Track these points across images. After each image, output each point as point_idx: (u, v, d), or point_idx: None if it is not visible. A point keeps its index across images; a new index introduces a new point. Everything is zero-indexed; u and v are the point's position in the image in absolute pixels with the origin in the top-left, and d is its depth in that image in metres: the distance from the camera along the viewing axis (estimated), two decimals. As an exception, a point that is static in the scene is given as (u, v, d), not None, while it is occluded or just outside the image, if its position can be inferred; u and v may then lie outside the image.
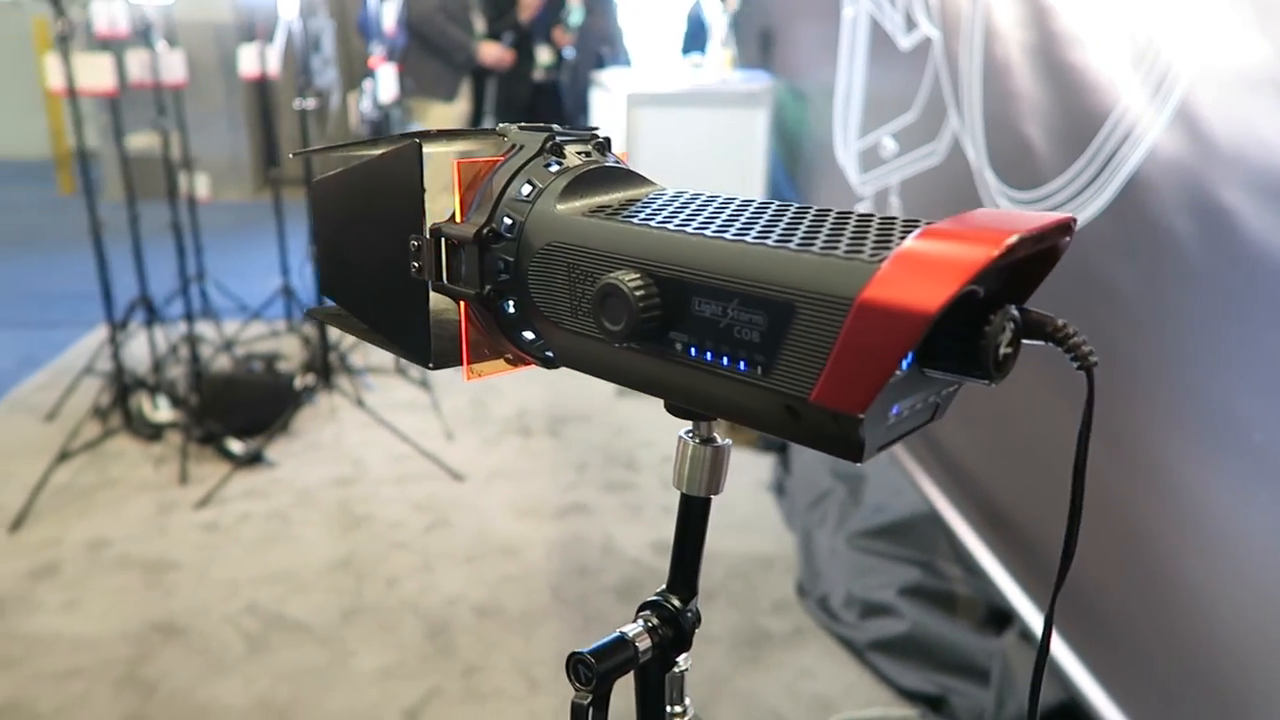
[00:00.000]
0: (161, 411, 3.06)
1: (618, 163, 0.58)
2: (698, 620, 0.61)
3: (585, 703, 0.56)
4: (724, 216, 0.49)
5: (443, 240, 0.55)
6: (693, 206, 0.51)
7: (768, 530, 2.59)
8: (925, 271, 0.38)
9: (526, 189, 0.54)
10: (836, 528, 2.33)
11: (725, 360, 0.45)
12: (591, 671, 0.56)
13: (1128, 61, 1.52)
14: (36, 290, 4.87)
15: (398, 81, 3.50)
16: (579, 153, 0.56)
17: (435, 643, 2.10)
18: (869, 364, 0.39)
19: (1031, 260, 0.45)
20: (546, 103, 4.81)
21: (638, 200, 0.54)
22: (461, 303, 0.56)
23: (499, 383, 3.58)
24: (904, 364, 0.42)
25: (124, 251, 3.03)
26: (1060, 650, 1.72)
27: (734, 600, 2.28)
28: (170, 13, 3.28)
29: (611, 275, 0.48)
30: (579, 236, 0.51)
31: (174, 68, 3.09)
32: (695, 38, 5.96)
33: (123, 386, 3.03)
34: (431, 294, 0.56)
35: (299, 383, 3.29)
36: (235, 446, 2.91)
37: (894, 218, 0.46)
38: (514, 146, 0.56)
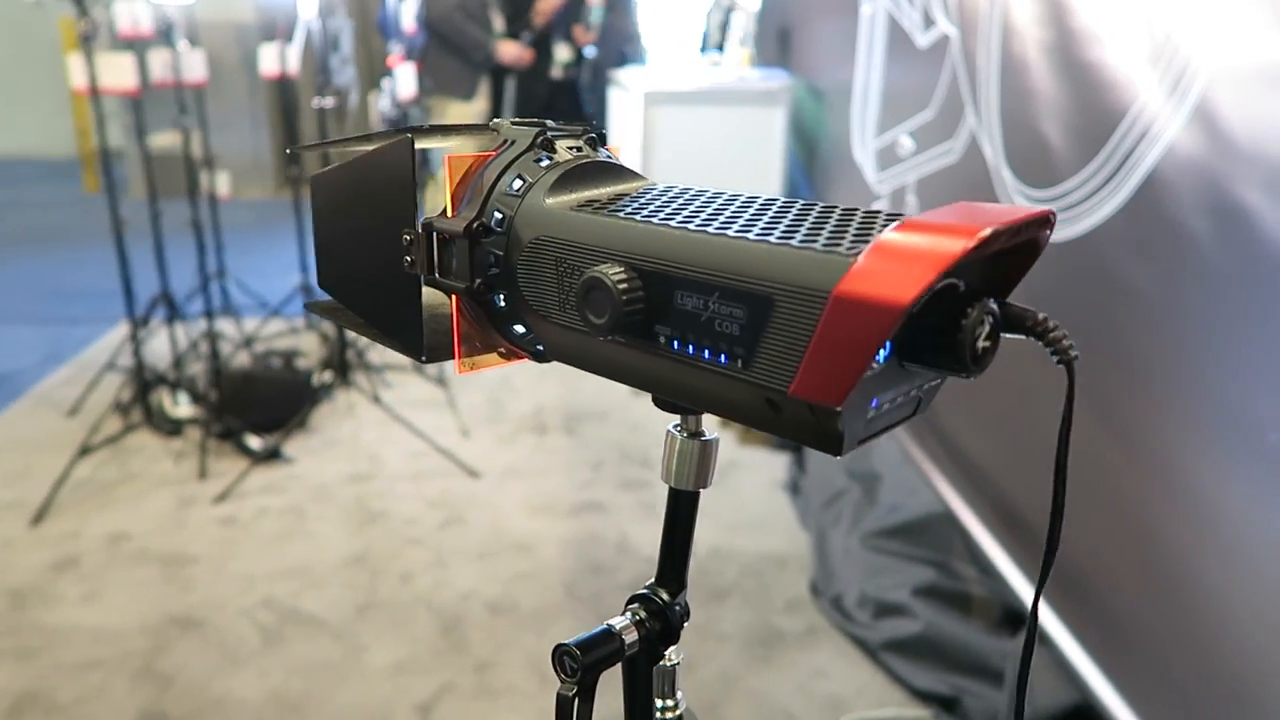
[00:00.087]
0: (181, 407, 3.10)
1: (609, 158, 0.58)
2: (686, 614, 0.61)
3: (570, 694, 0.56)
4: (709, 211, 0.49)
5: (434, 234, 0.55)
6: (680, 201, 0.52)
7: (782, 529, 2.59)
8: (900, 264, 0.38)
9: (517, 184, 0.54)
10: (851, 527, 2.32)
11: (707, 353, 0.46)
12: (577, 663, 0.56)
13: (1145, 59, 1.51)
14: (61, 287, 4.93)
15: (416, 80, 3.51)
16: (570, 148, 0.56)
17: (448, 638, 2.11)
18: (845, 357, 0.39)
19: (1012, 254, 0.45)
20: (564, 101, 4.80)
21: (627, 195, 0.54)
22: (453, 296, 0.56)
23: (515, 380, 3.60)
24: (881, 357, 0.42)
25: (147, 249, 3.06)
26: (1074, 652, 1.71)
27: (747, 599, 2.27)
28: (192, 12, 3.31)
29: (596, 269, 0.48)
30: (566, 231, 0.51)
31: (195, 67, 3.11)
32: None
33: (143, 382, 3.07)
34: (425, 288, 0.56)
35: (317, 379, 3.32)
36: (253, 442, 2.93)
37: (878, 212, 0.46)
38: (505, 141, 0.57)
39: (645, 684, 0.61)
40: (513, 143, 0.56)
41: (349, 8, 3.58)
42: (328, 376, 3.35)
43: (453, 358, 0.57)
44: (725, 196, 0.52)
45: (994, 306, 0.43)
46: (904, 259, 0.38)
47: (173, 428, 3.04)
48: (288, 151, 0.65)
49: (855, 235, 0.42)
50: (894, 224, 0.41)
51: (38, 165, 8.57)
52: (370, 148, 0.57)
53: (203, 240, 3.31)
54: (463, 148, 0.57)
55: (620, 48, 5.16)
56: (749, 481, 2.85)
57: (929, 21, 2.37)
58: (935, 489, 2.29)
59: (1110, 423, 1.64)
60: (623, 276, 0.47)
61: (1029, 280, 1.66)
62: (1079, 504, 1.77)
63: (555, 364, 0.58)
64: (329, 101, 3.08)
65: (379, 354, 3.71)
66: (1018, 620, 1.93)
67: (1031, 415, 1.89)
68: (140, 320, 3.05)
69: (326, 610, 2.20)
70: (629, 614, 0.60)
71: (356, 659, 2.04)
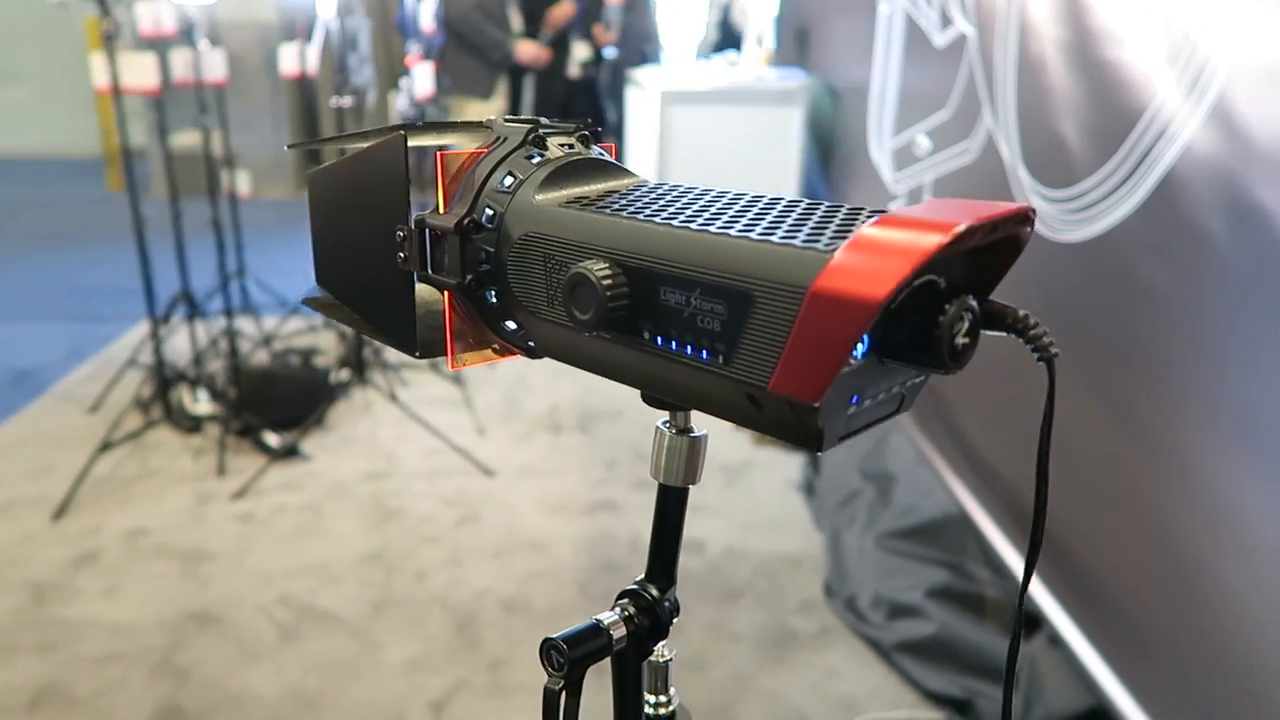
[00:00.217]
0: (201, 404, 3.13)
1: (602, 155, 0.58)
2: (676, 610, 0.61)
3: (557, 688, 0.57)
4: (696, 208, 0.49)
5: (427, 231, 0.55)
6: (669, 198, 0.52)
7: (796, 530, 2.58)
8: (875, 260, 0.38)
9: (508, 180, 0.55)
10: (865, 528, 2.31)
11: (689, 349, 0.46)
12: (564, 657, 0.56)
13: (1163, 57, 1.49)
14: (84, 285, 4.99)
15: (434, 79, 3.53)
16: (562, 145, 0.56)
17: (462, 636, 2.12)
18: (822, 353, 0.39)
19: (993, 251, 0.45)
20: (582, 100, 4.81)
21: (616, 192, 0.54)
22: (445, 292, 0.57)
23: (531, 379, 3.61)
24: (859, 353, 0.42)
25: (168, 247, 3.09)
26: (1088, 656, 1.69)
27: (761, 599, 2.27)
28: (213, 12, 3.33)
29: (580, 265, 0.48)
30: (554, 227, 0.52)
31: (215, 67, 3.14)
32: (731, 36, 5.94)
33: (164, 379, 3.10)
34: (419, 284, 0.57)
35: (334, 377, 3.34)
36: (271, 439, 2.96)
37: (861, 208, 0.46)
38: (498, 138, 0.57)
39: (634, 679, 0.62)
40: (505, 140, 0.57)
41: (367, 7, 3.60)
42: (345, 374, 3.38)
43: (446, 354, 0.58)
44: (714, 194, 0.52)
45: (973, 303, 0.42)
46: (879, 255, 0.38)
47: (192, 424, 3.07)
48: (287, 147, 0.66)
49: (836, 232, 0.42)
50: (871, 220, 0.41)
51: (63, 164, 8.67)
52: (365, 145, 0.57)
53: (223, 239, 3.34)
54: (457, 145, 0.57)
55: (640, 48, 5.16)
56: (763, 482, 2.85)
57: (946, 21, 2.36)
58: (950, 490, 2.28)
59: (1127, 423, 1.62)
60: (607, 272, 0.47)
61: (1043, 280, 1.65)
62: (1094, 505, 1.76)
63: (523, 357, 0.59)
64: (347, 101, 3.10)
65: (395, 353, 3.72)
66: (1032, 623, 1.92)
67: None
68: (161, 318, 3.08)
69: (342, 607, 2.22)
70: (618, 609, 0.60)
71: (372, 656, 2.05)
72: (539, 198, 0.53)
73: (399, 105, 3.50)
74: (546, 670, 0.57)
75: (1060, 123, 1.81)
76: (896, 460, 2.46)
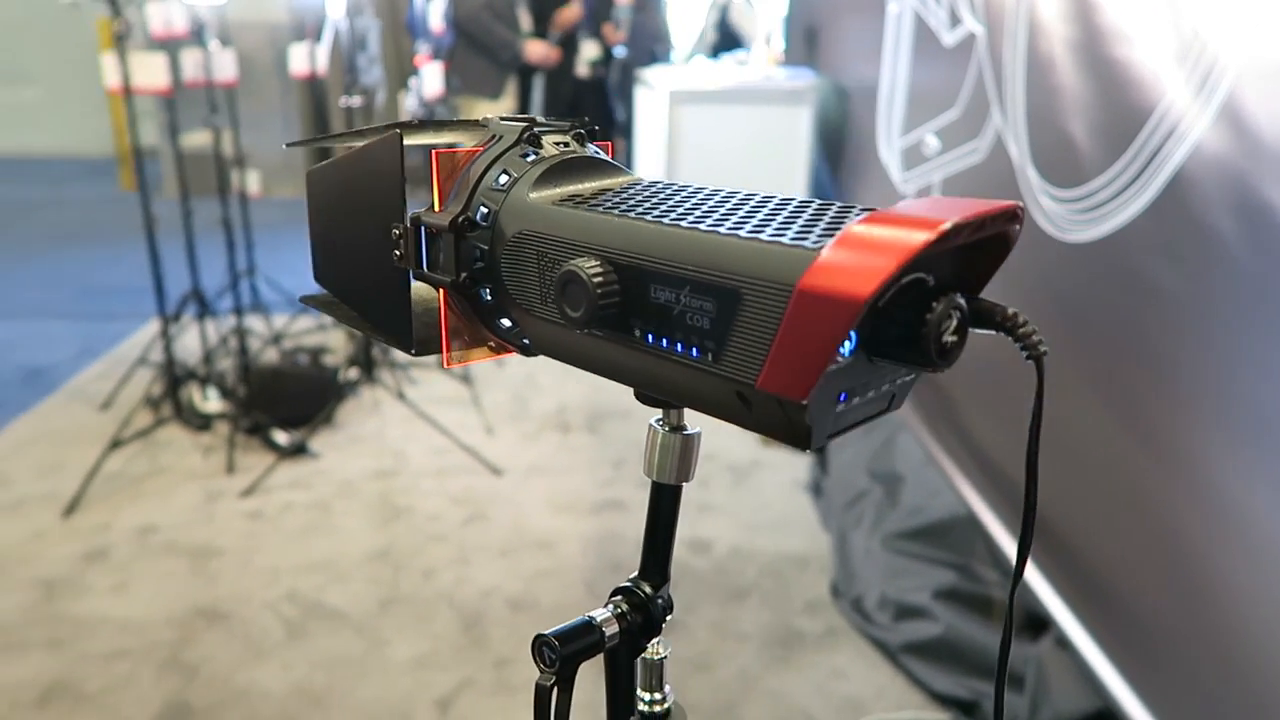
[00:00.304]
0: (211, 402, 3.14)
1: (598, 153, 0.58)
2: (669, 607, 0.62)
3: (549, 684, 0.57)
4: (688, 205, 0.49)
5: (422, 228, 0.56)
6: (662, 196, 0.52)
7: (803, 530, 2.58)
8: (861, 258, 0.38)
9: (502, 178, 0.55)
10: (872, 529, 2.31)
11: (679, 347, 0.46)
12: (555, 654, 0.57)
13: (1172, 56, 1.49)
14: (96, 283, 5.01)
15: (444, 79, 3.54)
16: (557, 143, 0.57)
17: (469, 634, 2.12)
18: (809, 350, 0.39)
19: (982, 249, 0.45)
20: (590, 100, 4.81)
21: (610, 190, 0.54)
22: (441, 290, 0.57)
23: (540, 379, 3.61)
24: (847, 350, 0.42)
25: (179, 246, 3.11)
26: (1095, 658, 1.69)
27: (767, 599, 2.27)
28: (224, 13, 3.35)
29: (572, 262, 0.48)
30: (548, 225, 0.52)
31: (226, 67, 3.15)
32: (729, 38, 5.92)
33: (174, 377, 3.11)
34: (416, 282, 0.57)
35: (343, 376, 3.35)
36: (280, 437, 2.97)
37: (853, 206, 0.46)
38: (493, 137, 0.57)
39: (627, 676, 0.62)
40: (500, 138, 0.57)
41: (377, 7, 3.60)
42: (354, 373, 3.39)
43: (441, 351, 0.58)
44: (708, 192, 0.52)
45: (961, 301, 0.42)
46: (865, 252, 0.38)
47: (202, 422, 3.08)
48: (286, 145, 0.66)
49: (825, 229, 0.42)
50: (860, 217, 0.41)
51: (76, 164, 8.72)
52: (362, 143, 0.57)
53: (233, 238, 3.36)
54: (450, 143, 0.57)
55: (649, 47, 5.16)
56: (771, 482, 2.84)
57: (955, 20, 2.35)
58: (958, 491, 2.27)
59: (1135, 424, 1.62)
60: (598, 270, 0.47)
61: (1051, 280, 1.65)
62: (1102, 507, 1.75)
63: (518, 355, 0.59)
64: (356, 101, 3.11)
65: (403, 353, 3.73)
66: (1040, 625, 1.91)
67: (1055, 419, 1.87)
68: (172, 316, 3.10)
69: (350, 604, 2.23)
70: (611, 606, 0.61)
71: (378, 653, 2.06)
72: (533, 196, 0.53)
73: (408, 105, 3.51)
74: (538, 666, 0.58)
75: (1069, 122, 1.80)
76: (904, 461, 2.45)
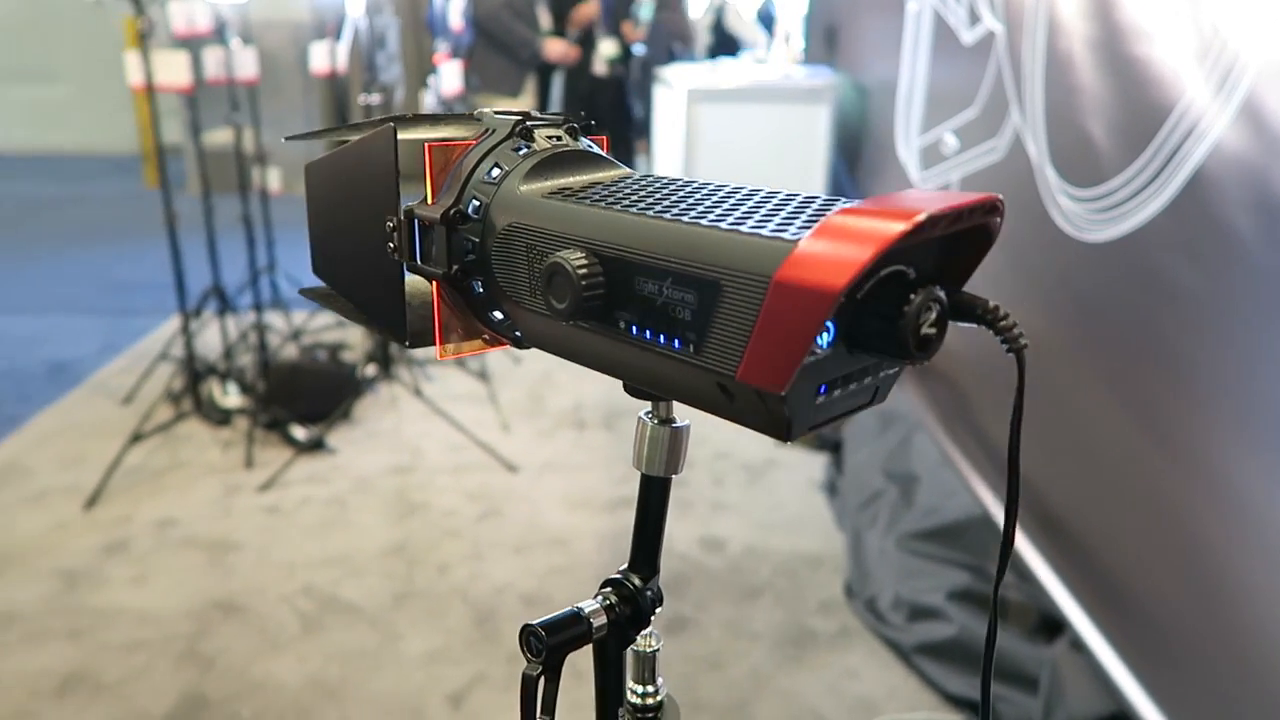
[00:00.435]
0: (230, 397, 3.17)
1: (590, 147, 0.58)
2: (659, 600, 0.62)
3: (535, 674, 0.57)
4: (675, 198, 0.50)
5: (415, 221, 0.56)
6: (651, 189, 0.52)
7: (818, 529, 2.57)
8: (836, 249, 0.38)
9: (494, 171, 0.55)
10: (887, 529, 2.30)
11: (662, 338, 0.46)
12: (542, 644, 0.57)
13: (1192, 54, 1.47)
14: (120, 279, 5.07)
15: (463, 77, 3.55)
16: (548, 137, 0.57)
17: (482, 630, 2.13)
18: (786, 342, 0.39)
19: (963, 242, 0.45)
20: (607, 97, 4.81)
21: (600, 183, 0.55)
22: (434, 282, 0.57)
23: (556, 376, 3.62)
24: (825, 342, 0.42)
25: (201, 243, 3.14)
26: (1110, 661, 1.67)
27: (780, 598, 2.26)
28: (246, 11, 3.38)
29: (558, 254, 0.49)
30: (536, 217, 0.52)
31: (247, 64, 3.18)
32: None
33: (194, 373, 3.15)
34: (411, 275, 0.58)
35: (361, 372, 3.37)
36: (298, 433, 2.99)
37: (837, 198, 0.46)
38: (486, 130, 0.57)
39: (615, 667, 0.62)
40: (493, 132, 0.57)
41: (396, 5, 3.62)
42: (371, 369, 3.41)
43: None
44: (697, 185, 0.52)
45: (940, 293, 0.42)
46: (841, 244, 0.38)
47: (221, 417, 3.11)
48: (285, 139, 0.67)
49: (806, 222, 0.42)
50: (836, 208, 0.41)
51: (102, 161, 8.82)
52: (358, 137, 0.58)
53: (253, 235, 3.38)
54: (444, 137, 0.58)
55: (669, 45, 5.15)
56: (786, 481, 2.84)
57: (974, 18, 2.34)
58: (974, 492, 2.26)
59: (1154, 425, 1.60)
60: (582, 262, 0.48)
61: (1069, 280, 1.64)
62: (1118, 508, 1.74)
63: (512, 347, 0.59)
64: (375, 98, 3.13)
65: (421, 349, 3.75)
66: (1054, 627, 1.90)
67: (1071, 419, 1.85)
68: (192, 312, 3.13)
69: (365, 599, 2.24)
70: (599, 598, 0.61)
71: (392, 647, 2.07)
72: (523, 188, 0.54)
73: (427, 103, 3.53)
74: (525, 656, 0.58)
75: (1088, 121, 1.79)
76: (920, 461, 2.44)
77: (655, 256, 0.45)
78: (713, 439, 3.06)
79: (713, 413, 0.47)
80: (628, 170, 0.58)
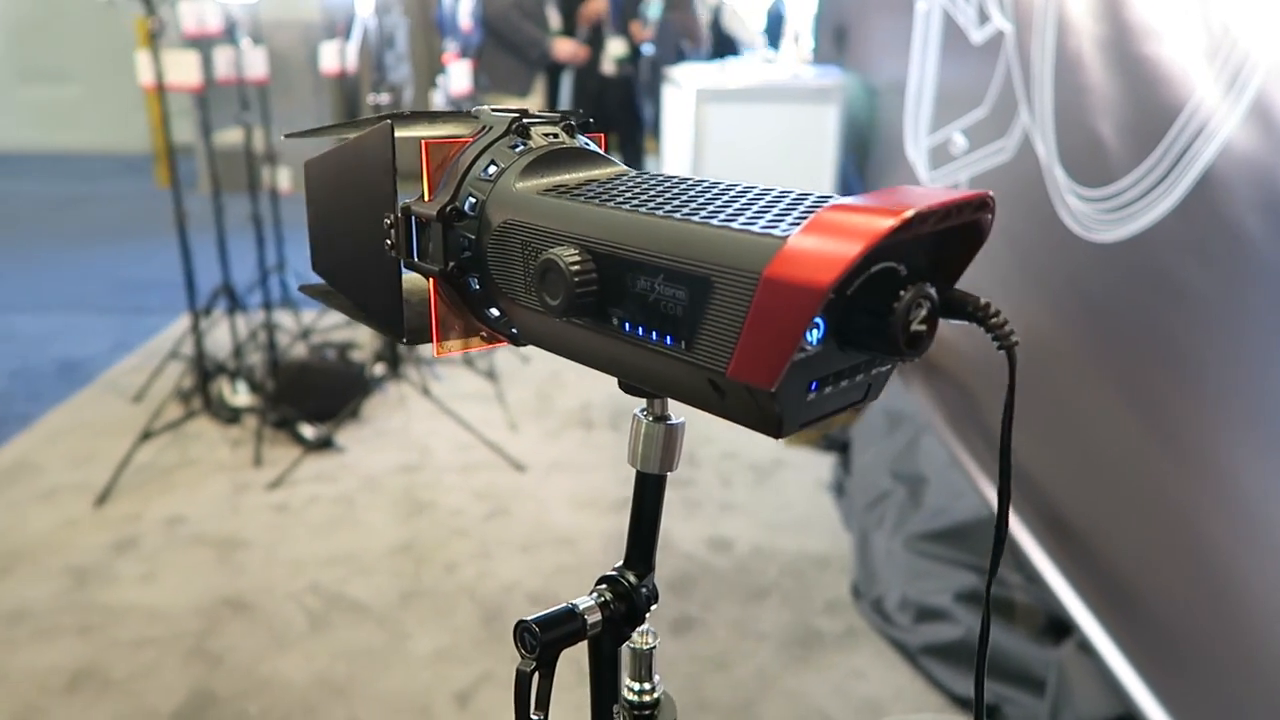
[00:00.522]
0: (240, 396, 3.18)
1: (587, 144, 0.58)
2: (654, 597, 0.62)
3: (529, 670, 0.57)
4: (669, 195, 0.50)
5: (412, 218, 0.56)
6: (646, 186, 0.52)
7: (825, 530, 2.57)
8: (824, 245, 0.38)
9: (491, 169, 0.55)
10: (894, 530, 2.29)
11: (655, 335, 0.46)
12: (536, 640, 0.57)
13: (1202, 53, 1.46)
14: (131, 278, 5.10)
15: (472, 77, 3.56)
16: (545, 134, 0.57)
17: (489, 628, 2.14)
18: (775, 338, 0.39)
19: (957, 240, 0.44)
20: (614, 97, 4.80)
21: (596, 180, 0.55)
22: (431, 279, 0.58)
23: (564, 376, 3.62)
24: (814, 339, 0.42)
25: (212, 242, 3.15)
26: (1118, 663, 1.67)
27: (787, 599, 2.26)
28: (256, 11, 3.39)
29: (551, 251, 0.49)
30: (531, 214, 0.52)
31: (257, 64, 3.19)
32: (776, 33, 5.91)
33: (204, 371, 3.16)
34: (409, 272, 0.58)
35: (370, 371, 3.38)
36: (307, 431, 3.00)
37: (830, 196, 0.46)
38: (483, 128, 0.58)
39: (610, 664, 0.62)
40: (490, 129, 0.57)
41: (405, 5, 3.64)
42: (380, 368, 3.42)
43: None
44: (693, 182, 0.52)
45: (930, 290, 0.42)
46: (829, 240, 0.38)
47: (231, 415, 3.12)
48: (284, 136, 0.67)
49: (798, 218, 0.42)
50: (826, 205, 0.41)
51: (114, 160, 8.86)
52: (356, 134, 0.58)
53: (263, 234, 3.40)
54: (441, 135, 0.58)
55: (679, 45, 5.15)
56: (793, 481, 2.83)
57: (984, 17, 2.33)
58: (982, 493, 2.25)
59: (1161, 427, 1.59)
60: (576, 259, 0.48)
61: (1078, 280, 1.63)
62: (1126, 510, 1.73)
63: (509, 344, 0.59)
64: (384, 98, 3.14)
65: (429, 348, 3.76)
66: (1062, 629, 1.89)
67: (1079, 421, 1.85)
68: (202, 311, 3.14)
69: (372, 597, 2.25)
70: (594, 595, 0.61)
71: (399, 646, 2.08)
72: (519, 185, 0.54)
73: (436, 102, 3.54)
74: (519, 652, 0.58)
75: (1097, 120, 1.78)
76: (928, 462, 2.43)
77: (647, 253, 0.45)
78: (720, 439, 3.06)
79: (705, 410, 0.47)
80: (624, 167, 0.58)
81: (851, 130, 3.49)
